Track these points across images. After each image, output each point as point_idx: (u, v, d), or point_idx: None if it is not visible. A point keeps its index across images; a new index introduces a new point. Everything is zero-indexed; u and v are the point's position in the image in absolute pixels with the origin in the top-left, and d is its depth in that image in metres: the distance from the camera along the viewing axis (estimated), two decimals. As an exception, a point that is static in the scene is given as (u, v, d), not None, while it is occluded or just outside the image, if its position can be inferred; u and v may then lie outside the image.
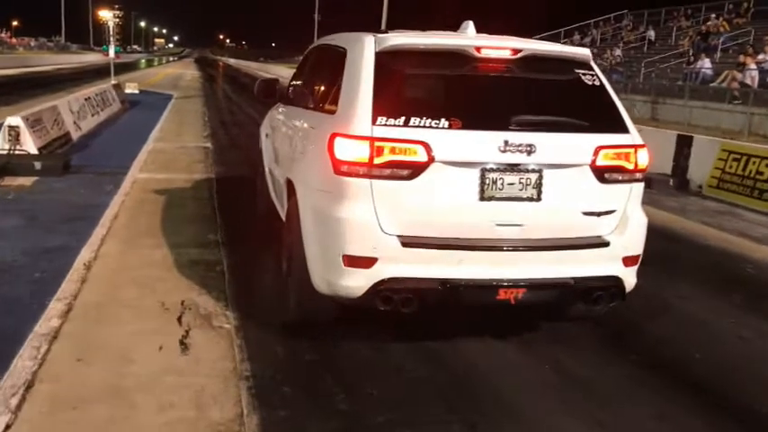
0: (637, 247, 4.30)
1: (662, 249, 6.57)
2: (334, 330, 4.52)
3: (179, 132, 14.85)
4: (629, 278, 4.30)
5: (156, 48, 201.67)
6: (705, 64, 23.03)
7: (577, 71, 4.34)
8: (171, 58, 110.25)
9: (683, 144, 11.23)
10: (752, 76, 20.55)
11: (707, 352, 4.62)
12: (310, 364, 4.15)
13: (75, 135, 13.04)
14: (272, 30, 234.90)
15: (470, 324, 4.72)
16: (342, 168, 3.92)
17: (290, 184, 4.86)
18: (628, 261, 4.25)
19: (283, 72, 36.02)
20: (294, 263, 4.46)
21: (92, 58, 70.52)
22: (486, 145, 3.96)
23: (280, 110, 6.36)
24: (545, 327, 4.85)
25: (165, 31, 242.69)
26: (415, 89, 4.32)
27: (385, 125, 3.88)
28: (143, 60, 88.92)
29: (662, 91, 23.06)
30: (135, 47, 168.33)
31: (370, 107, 3.93)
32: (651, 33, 31.23)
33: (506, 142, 3.94)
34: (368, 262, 3.91)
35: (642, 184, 4.32)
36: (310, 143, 4.59)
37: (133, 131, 14.88)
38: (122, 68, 46.68)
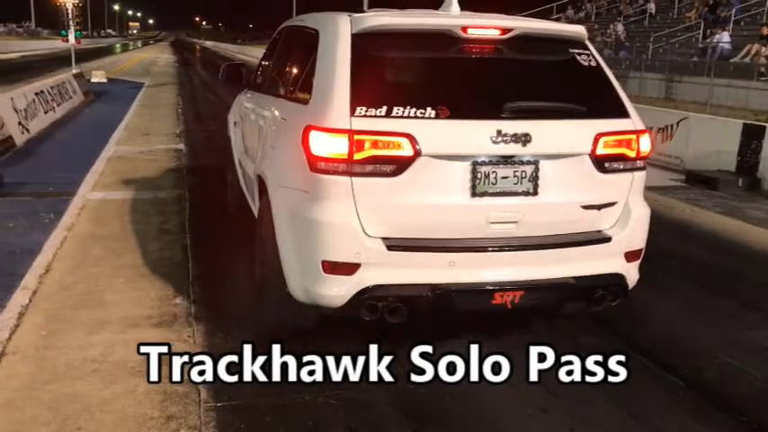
0: (640, 241, 4.11)
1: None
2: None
3: (147, 130, 12.83)
4: (632, 274, 4.11)
5: (131, 32, 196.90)
6: (723, 38, 21.39)
7: (572, 51, 4.10)
8: (141, 43, 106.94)
9: (752, 135, 9.42)
10: (780, 50, 18.91)
11: None
12: None
13: (20, 139, 10.98)
14: (249, 11, 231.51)
15: None
16: (318, 165, 3.62)
17: (261, 181, 4.45)
18: (630, 256, 4.07)
19: (261, 53, 33.80)
20: (268, 268, 4.10)
21: (62, 43, 67.53)
22: (477, 136, 3.71)
23: (248, 95, 5.89)
24: None
25: (139, 14, 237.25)
26: (397, 75, 4.00)
27: (365, 116, 3.58)
28: (118, 45, 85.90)
29: (675, 68, 21.26)
30: (109, 31, 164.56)
31: (347, 96, 3.62)
32: (651, 6, 29.24)
33: (499, 132, 3.68)
34: (350, 268, 3.62)
35: (644, 173, 4.12)
36: (282, 136, 4.25)
37: (93, 131, 12.85)
38: (94, 54, 44.59)
